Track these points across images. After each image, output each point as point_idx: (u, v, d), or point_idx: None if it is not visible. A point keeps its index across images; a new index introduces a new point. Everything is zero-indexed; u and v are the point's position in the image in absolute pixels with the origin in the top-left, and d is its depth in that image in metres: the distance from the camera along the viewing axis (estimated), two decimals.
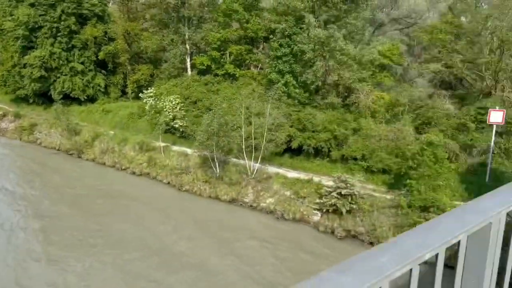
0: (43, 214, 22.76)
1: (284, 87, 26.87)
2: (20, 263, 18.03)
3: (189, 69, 33.81)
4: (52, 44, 37.48)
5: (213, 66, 31.47)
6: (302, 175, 24.64)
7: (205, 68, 32.01)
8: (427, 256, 1.26)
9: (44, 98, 40.16)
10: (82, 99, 38.54)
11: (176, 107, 29.76)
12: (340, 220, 21.53)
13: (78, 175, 28.74)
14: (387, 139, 24.05)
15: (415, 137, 23.59)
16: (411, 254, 1.21)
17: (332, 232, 21.35)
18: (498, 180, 20.84)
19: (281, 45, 27.58)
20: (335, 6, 25.81)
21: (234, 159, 26.15)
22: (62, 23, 37.11)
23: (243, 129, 24.76)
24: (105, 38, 39.04)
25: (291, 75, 27.08)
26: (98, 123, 35.90)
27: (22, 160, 32.14)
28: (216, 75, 31.58)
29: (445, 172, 21.55)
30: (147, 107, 30.76)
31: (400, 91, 26.79)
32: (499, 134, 23.81)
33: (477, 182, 22.07)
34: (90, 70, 38.78)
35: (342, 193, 21.29)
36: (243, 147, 24.70)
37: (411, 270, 1.20)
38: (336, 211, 21.56)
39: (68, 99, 38.35)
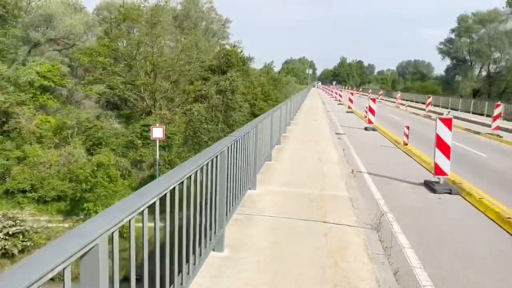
0: None
1: None
2: None
3: None
4: None
5: None
6: None
7: None
8: None
9: None
10: None
11: None
12: (13, 262, 21.10)
13: None
14: (58, 164, 25.47)
15: (88, 159, 26.22)
16: None
17: None
18: None
19: None
20: None
21: None
22: None
23: None
24: None
25: None
26: None
27: None
28: None
29: (121, 189, 25.37)
30: None
31: (66, 113, 28.83)
32: (162, 147, 30.20)
33: None
34: None
35: (11, 232, 21.03)
36: None
37: None
38: (7, 254, 21.01)
39: None
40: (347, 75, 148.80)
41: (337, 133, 15.93)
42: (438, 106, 36.75)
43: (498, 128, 18.37)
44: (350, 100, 30.59)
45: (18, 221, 21.12)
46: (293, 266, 3.92)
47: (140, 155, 29.50)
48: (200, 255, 3.52)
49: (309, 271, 3.83)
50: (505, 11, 52.16)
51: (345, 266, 4.01)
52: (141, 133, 30.15)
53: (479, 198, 7.34)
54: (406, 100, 44.40)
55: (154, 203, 2.35)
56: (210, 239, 3.80)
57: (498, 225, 6.18)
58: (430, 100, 31.77)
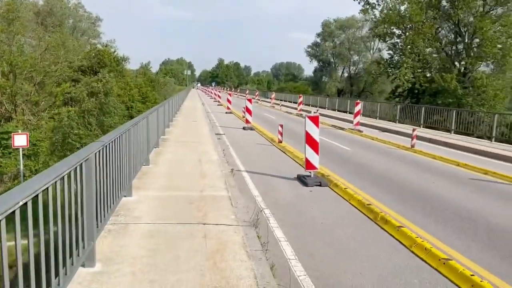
0: None
1: None
2: None
3: None
4: None
5: None
6: None
7: None
8: None
9: None
10: None
11: None
12: None
13: None
14: None
15: None
16: None
17: None
18: None
19: None
20: None
21: None
22: None
23: None
24: None
25: None
26: None
27: None
28: None
29: None
30: None
31: None
32: (27, 156, 27.09)
33: None
34: None
35: None
36: None
37: None
38: None
39: None
40: (226, 76, 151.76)
41: (217, 134, 16.07)
42: (308, 105, 39.57)
43: (358, 123, 20.46)
44: (229, 101, 31.21)
45: None
46: (171, 273, 3.79)
47: (0, 166, 26.15)
48: (66, 273, 3.18)
49: (187, 276, 3.75)
50: (361, 18, 58.33)
51: (224, 266, 4.01)
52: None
53: (344, 188, 8.04)
54: (280, 100, 46.93)
55: None
56: (78, 255, 3.47)
57: (360, 211, 6.84)
58: (301, 99, 34.01)
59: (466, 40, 38.34)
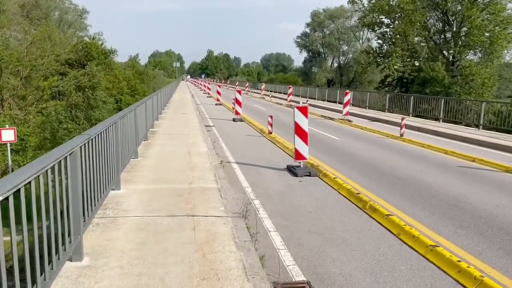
0: None
1: None
2: None
3: None
4: None
5: None
6: None
7: None
8: None
9: None
10: None
11: None
12: None
13: None
14: None
15: None
16: None
17: None
18: None
19: None
20: None
21: None
22: None
23: None
24: None
25: None
26: None
27: None
28: None
29: None
30: None
31: None
32: (15, 151, 26.77)
33: None
34: None
35: None
36: None
37: None
38: None
39: None
40: (215, 68, 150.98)
41: (206, 126, 16.01)
42: (298, 95, 39.56)
43: (348, 113, 20.52)
44: (218, 93, 31.07)
45: None
46: (159, 266, 3.78)
47: None
48: (52, 268, 3.15)
49: (176, 268, 3.74)
50: (349, 8, 58.26)
51: (213, 257, 4.01)
52: None
53: (333, 178, 8.07)
54: (270, 91, 46.85)
55: None
56: (65, 249, 3.44)
57: (349, 200, 6.88)
58: (291, 90, 33.99)
59: (454, 29, 38.51)
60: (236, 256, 4.08)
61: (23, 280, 2.59)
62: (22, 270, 2.54)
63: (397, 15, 40.16)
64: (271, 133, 14.25)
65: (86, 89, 28.12)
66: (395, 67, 40.90)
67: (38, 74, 32.65)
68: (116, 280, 3.49)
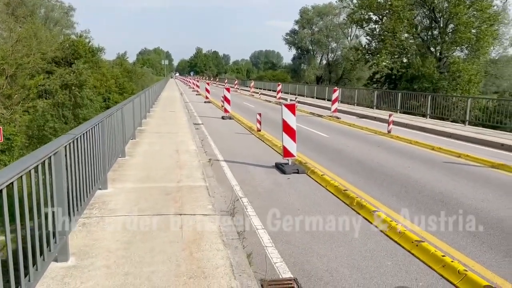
0: None
1: None
2: None
3: None
4: None
5: None
6: None
7: None
8: None
9: None
10: None
11: None
12: None
13: None
14: None
15: None
16: None
17: None
18: None
19: None
20: None
21: None
22: None
23: None
24: None
25: None
26: None
27: None
28: None
29: None
30: None
31: None
32: (1, 151, 26.43)
33: None
34: None
35: None
36: None
37: None
38: None
39: None
40: (204, 66, 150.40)
41: (195, 124, 15.97)
42: (288, 93, 39.62)
43: (336, 110, 20.62)
44: (207, 91, 30.98)
45: None
46: (146, 265, 3.78)
47: None
48: (37, 269, 3.14)
49: (163, 267, 3.74)
50: (338, 5, 58.39)
51: (200, 256, 4.02)
52: None
53: (321, 175, 8.12)
54: (260, 89, 46.85)
55: None
56: (50, 250, 3.42)
57: (337, 197, 6.93)
58: (279, 87, 34.02)
59: (441, 26, 38.87)
60: (223, 254, 4.10)
61: (7, 281, 2.57)
62: (5, 272, 2.53)
63: (385, 12, 40.41)
64: (259, 130, 14.27)
65: (73, 87, 27.80)
66: (384, 63, 41.18)
67: (24, 73, 32.19)
68: (102, 280, 3.48)
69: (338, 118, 19.49)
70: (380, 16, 41.74)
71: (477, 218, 5.94)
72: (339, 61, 72.08)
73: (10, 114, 29.42)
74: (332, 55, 76.14)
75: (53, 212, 3.52)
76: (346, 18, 51.65)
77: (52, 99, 27.85)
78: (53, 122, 26.94)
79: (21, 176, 2.82)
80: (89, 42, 44.26)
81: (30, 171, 2.99)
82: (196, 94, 39.60)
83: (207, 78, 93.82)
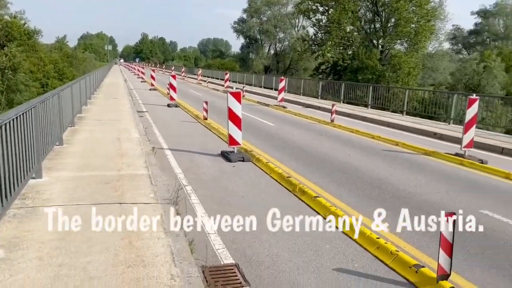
0: None
1: None
2: None
3: None
4: None
5: None
6: None
7: None
8: None
9: None
10: None
11: None
12: None
13: None
14: None
15: None
16: None
17: None
18: None
19: None
20: None
21: None
22: None
23: None
24: None
25: None
26: None
27: None
28: None
29: None
30: None
31: None
32: None
33: None
34: None
35: None
36: None
37: None
38: None
39: None
40: (150, 52, 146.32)
41: (139, 111, 15.55)
42: (236, 82, 39.56)
43: (283, 100, 20.90)
44: (152, 78, 30.21)
45: None
46: (82, 255, 3.65)
47: None
48: None
49: (100, 257, 3.63)
50: None
51: (139, 244, 3.94)
52: None
53: (266, 163, 8.22)
54: (207, 77, 46.39)
55: None
56: None
57: (280, 184, 7.05)
58: (227, 76, 33.89)
59: (383, 20, 40.37)
60: (164, 242, 4.05)
61: None
62: None
63: (331, 3, 41.30)
64: (206, 119, 14.16)
65: (6, 71, 25.98)
66: (329, 55, 42.18)
67: None
68: (33, 272, 3.32)
69: (284, 107, 19.76)
70: (327, 7, 42.61)
71: (411, 200, 6.29)
72: (287, 52, 72.92)
73: None
74: (280, 45, 76.87)
75: None
76: (293, 8, 52.18)
77: None
78: None
79: None
80: (24, 23, 41.47)
81: None
82: (141, 81, 38.49)
83: (153, 65, 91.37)
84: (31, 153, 5.20)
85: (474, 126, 9.71)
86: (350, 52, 41.94)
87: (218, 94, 27.49)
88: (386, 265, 4.24)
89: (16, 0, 55.28)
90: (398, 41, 40.55)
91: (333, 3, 40.83)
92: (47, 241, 3.92)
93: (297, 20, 72.08)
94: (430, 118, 17.02)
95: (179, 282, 3.32)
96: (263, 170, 7.94)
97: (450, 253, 3.68)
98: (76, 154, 7.66)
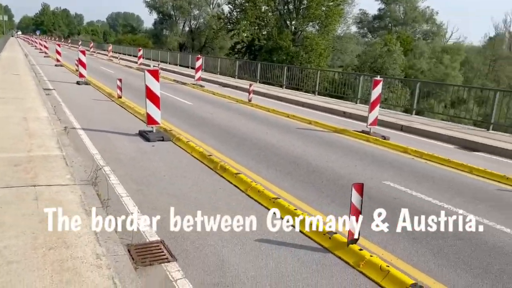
0: None
1: None
2: None
3: None
4: None
5: None
6: None
7: None
8: None
9: None
10: None
11: None
12: None
13: None
14: None
15: None
16: None
17: None
18: None
19: None
20: None
21: None
22: None
23: None
24: None
25: None
26: None
27: None
28: None
29: None
30: None
31: None
32: None
33: None
34: None
35: None
36: None
37: None
38: None
39: None
40: (53, 25, 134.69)
41: (45, 89, 14.45)
42: (150, 59, 38.22)
43: (200, 79, 20.77)
44: (58, 53, 28.02)
45: None
46: None
47: None
48: None
49: (17, 241, 3.48)
50: None
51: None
52: None
53: (187, 142, 8.25)
54: (119, 53, 44.18)
55: None
56: None
57: (202, 162, 7.16)
58: (141, 53, 32.61)
59: (296, 1, 41.48)
60: (86, 223, 3.98)
61: None
62: None
63: None
64: (120, 97, 13.63)
65: None
66: (244, 34, 42.44)
67: None
68: None
69: (202, 86, 19.67)
70: None
71: (323, 176, 6.79)
72: (202, 29, 71.78)
73: None
74: (195, 23, 75.37)
75: None
76: None
77: None
78: None
79: None
80: None
81: None
82: (45, 56, 35.49)
83: (57, 39, 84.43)
84: None
85: (378, 105, 10.63)
86: (265, 32, 42.62)
87: (131, 71, 26.42)
88: (304, 233, 4.60)
89: None
90: (310, 23, 42.05)
91: None
92: None
93: None
94: (340, 98, 18.12)
95: (106, 261, 3.33)
96: (183, 149, 7.97)
97: (358, 220, 4.12)
98: None
